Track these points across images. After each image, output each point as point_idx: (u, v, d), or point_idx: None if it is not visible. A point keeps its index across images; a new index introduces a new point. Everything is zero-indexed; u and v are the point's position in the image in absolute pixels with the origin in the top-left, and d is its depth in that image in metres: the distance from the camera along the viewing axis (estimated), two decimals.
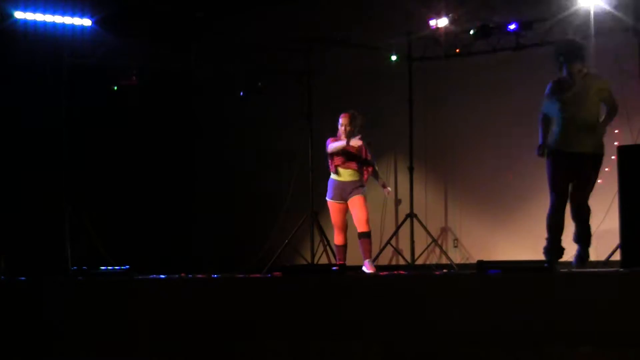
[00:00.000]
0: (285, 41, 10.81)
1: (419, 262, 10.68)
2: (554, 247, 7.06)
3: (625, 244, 6.19)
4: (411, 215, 10.57)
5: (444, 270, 9.33)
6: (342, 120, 8.50)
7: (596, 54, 8.07)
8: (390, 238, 10.73)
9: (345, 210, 8.56)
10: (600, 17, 9.08)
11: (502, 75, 10.36)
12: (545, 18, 9.60)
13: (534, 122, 10.45)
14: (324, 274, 5.61)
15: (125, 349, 5.71)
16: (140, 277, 6.70)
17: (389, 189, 9.04)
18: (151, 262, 9.67)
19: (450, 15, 10.17)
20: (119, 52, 10.18)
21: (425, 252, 10.73)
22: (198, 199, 12.26)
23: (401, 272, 9.21)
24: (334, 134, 8.63)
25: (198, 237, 11.85)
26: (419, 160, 10.80)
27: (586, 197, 7.07)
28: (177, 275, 7.27)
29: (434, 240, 10.56)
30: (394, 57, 10.83)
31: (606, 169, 7.35)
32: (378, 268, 9.08)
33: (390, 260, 11.11)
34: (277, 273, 6.36)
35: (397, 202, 11.18)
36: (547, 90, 7.14)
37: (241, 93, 10.93)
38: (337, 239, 8.61)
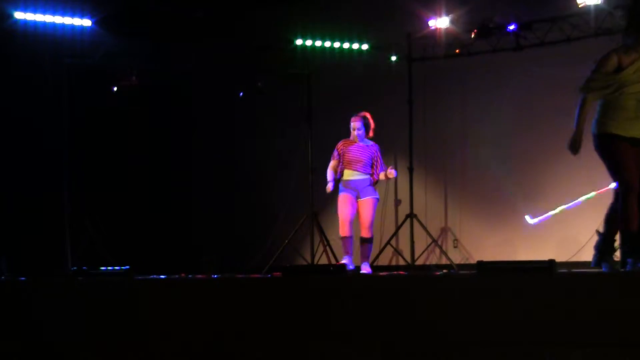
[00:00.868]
0: (285, 41, 10.81)
1: (419, 262, 10.69)
2: (610, 245, 6.08)
3: None
4: (411, 216, 10.58)
5: (444, 271, 9.34)
6: (354, 124, 8.41)
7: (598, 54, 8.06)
8: (390, 238, 10.73)
9: (355, 205, 8.38)
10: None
11: (502, 75, 10.37)
12: (545, 18, 9.62)
13: (534, 122, 10.47)
14: (324, 274, 5.61)
15: (126, 349, 5.70)
16: (140, 277, 6.70)
17: (394, 171, 8.45)
18: (151, 262, 9.68)
19: (450, 15, 10.20)
20: (119, 52, 10.19)
21: (425, 252, 10.74)
22: (198, 199, 12.26)
23: (401, 272, 9.23)
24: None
25: (198, 237, 11.85)
26: (418, 161, 10.80)
27: None
28: (177, 275, 7.28)
29: (434, 241, 10.57)
30: (394, 57, 10.85)
31: None
32: (378, 268, 9.09)
33: (391, 260, 11.12)
34: (277, 273, 6.36)
35: (397, 202, 11.19)
36: (600, 63, 5.91)
37: (241, 93, 10.94)
38: (342, 230, 8.39)
